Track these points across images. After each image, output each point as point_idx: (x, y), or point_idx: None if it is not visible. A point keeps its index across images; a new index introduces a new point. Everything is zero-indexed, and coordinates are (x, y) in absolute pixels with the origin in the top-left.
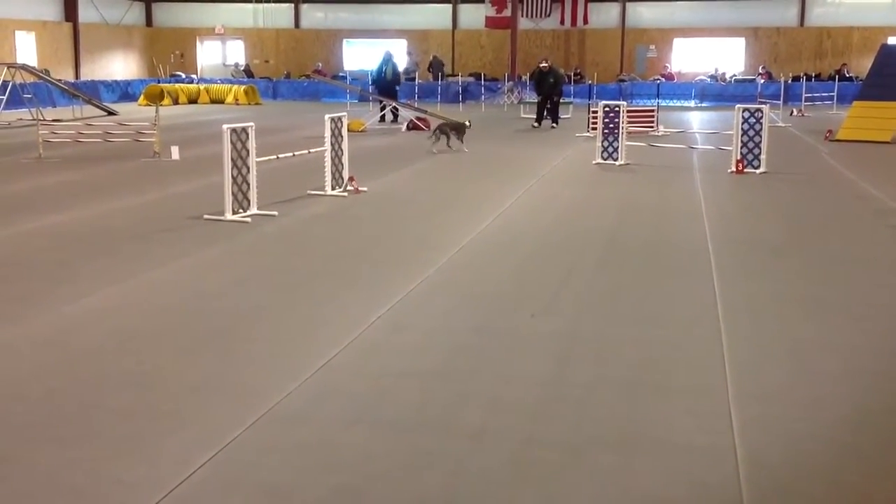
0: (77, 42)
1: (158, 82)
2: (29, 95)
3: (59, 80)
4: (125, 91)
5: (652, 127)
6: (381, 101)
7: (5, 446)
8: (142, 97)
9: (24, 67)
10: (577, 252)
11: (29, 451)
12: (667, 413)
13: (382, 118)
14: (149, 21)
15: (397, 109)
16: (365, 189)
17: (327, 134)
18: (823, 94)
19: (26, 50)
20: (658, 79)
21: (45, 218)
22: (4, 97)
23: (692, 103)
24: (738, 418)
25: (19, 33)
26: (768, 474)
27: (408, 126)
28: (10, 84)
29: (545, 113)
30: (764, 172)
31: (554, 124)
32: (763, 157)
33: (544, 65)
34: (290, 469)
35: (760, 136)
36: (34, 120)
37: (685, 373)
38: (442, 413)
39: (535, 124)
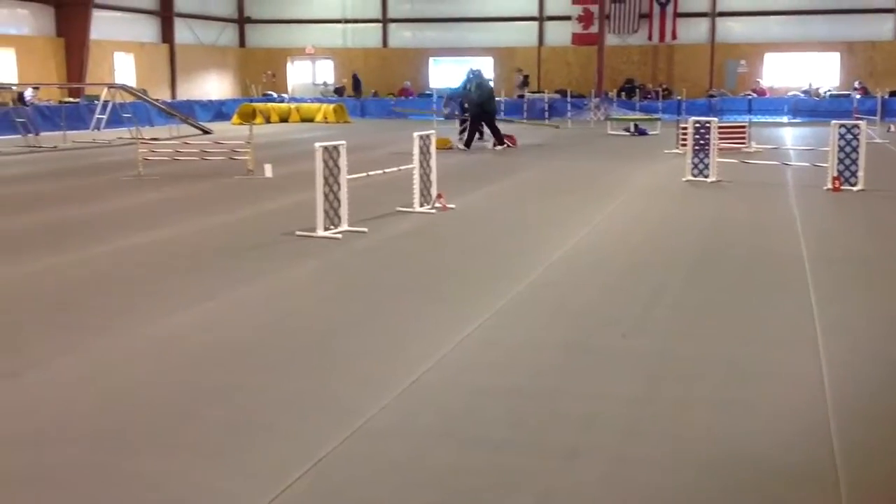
0: (173, 62)
1: (251, 101)
2: (128, 115)
3: (157, 100)
4: (219, 110)
5: (744, 143)
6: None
7: (107, 455)
8: (235, 116)
9: (124, 87)
10: (668, 269)
11: (130, 461)
12: (763, 434)
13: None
14: (242, 42)
15: (481, 127)
16: (453, 206)
17: (416, 151)
18: None
19: (125, 70)
20: (749, 94)
21: (143, 234)
22: (105, 116)
23: (785, 119)
24: (838, 441)
25: (118, 54)
26: (873, 499)
27: (495, 144)
28: (111, 104)
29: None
30: (861, 190)
31: (465, 143)
32: (860, 173)
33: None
34: (384, 485)
35: (857, 153)
36: (133, 139)
37: (782, 393)
38: (532, 431)
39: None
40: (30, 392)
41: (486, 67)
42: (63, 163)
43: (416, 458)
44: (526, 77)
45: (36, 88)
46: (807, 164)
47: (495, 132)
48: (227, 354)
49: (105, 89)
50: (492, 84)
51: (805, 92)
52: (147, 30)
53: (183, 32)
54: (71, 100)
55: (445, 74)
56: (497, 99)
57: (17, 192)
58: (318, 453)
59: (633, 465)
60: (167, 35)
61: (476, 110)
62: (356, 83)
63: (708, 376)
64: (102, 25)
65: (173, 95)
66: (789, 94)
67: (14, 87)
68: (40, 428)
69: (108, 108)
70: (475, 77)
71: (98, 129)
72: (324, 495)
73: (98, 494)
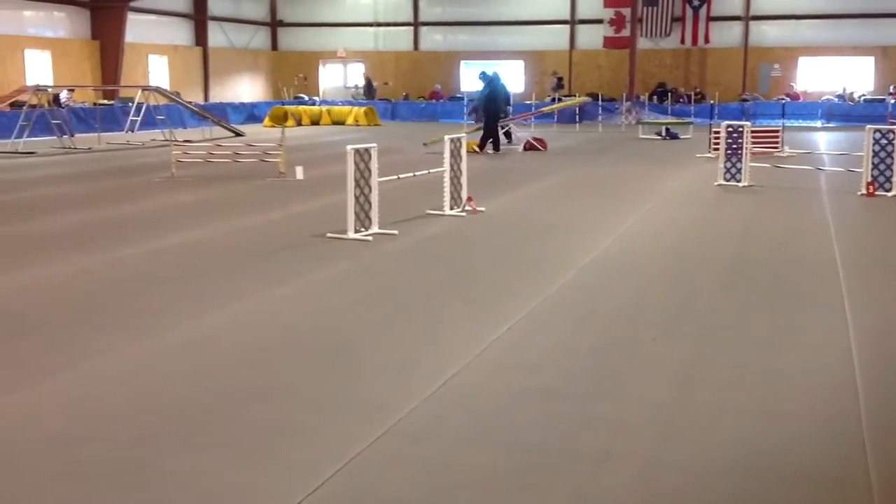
0: (206, 65)
1: (283, 104)
2: (162, 117)
3: (190, 103)
4: (251, 113)
5: (777, 147)
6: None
7: (142, 454)
8: (267, 119)
9: (157, 90)
10: (700, 274)
11: (161, 459)
12: (796, 440)
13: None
14: (274, 45)
15: (510, 130)
16: (483, 209)
17: (446, 154)
18: None
19: (159, 73)
20: (783, 98)
21: (175, 235)
22: (139, 118)
23: (818, 123)
24: (871, 448)
25: (152, 57)
26: None
27: (525, 147)
28: (145, 106)
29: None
30: None
31: (493, 147)
32: (895, 179)
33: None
34: (414, 486)
35: (892, 158)
36: (167, 140)
37: (814, 399)
38: (564, 434)
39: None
40: (64, 391)
41: (517, 71)
42: (97, 164)
43: (447, 459)
44: (560, 79)
45: (71, 90)
46: (840, 169)
47: (486, 134)
48: (258, 355)
49: (139, 91)
50: (506, 87)
51: (839, 96)
52: (181, 33)
53: (216, 35)
54: (105, 102)
55: (476, 78)
56: (528, 102)
57: (51, 193)
58: (349, 454)
59: (664, 470)
60: (200, 38)
61: (487, 112)
62: (368, 86)
63: (739, 382)
64: (137, 28)
65: (206, 98)
66: (823, 98)
67: (50, 89)
68: (74, 426)
69: (142, 111)
70: (484, 79)
71: (132, 130)
72: (355, 495)
73: (130, 492)
